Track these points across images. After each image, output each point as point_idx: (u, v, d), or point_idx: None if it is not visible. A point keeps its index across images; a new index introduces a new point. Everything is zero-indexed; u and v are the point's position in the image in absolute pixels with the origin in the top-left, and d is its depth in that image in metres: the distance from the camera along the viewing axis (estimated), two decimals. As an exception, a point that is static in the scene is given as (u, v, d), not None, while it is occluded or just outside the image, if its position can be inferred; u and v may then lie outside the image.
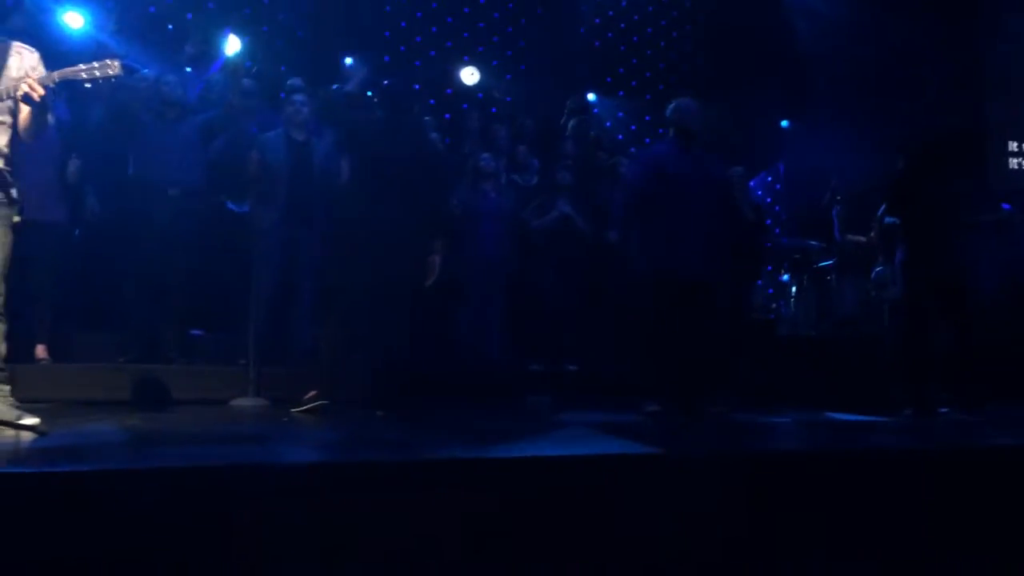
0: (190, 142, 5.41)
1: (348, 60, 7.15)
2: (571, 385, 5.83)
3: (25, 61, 3.59)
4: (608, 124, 8.43)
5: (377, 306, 4.74)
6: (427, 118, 6.29)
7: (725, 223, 5.11)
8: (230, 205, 5.79)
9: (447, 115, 7.37)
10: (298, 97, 5.68)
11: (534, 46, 8.19)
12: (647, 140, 8.53)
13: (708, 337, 4.90)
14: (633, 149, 7.96)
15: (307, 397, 4.58)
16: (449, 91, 7.89)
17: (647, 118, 8.61)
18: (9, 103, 3.47)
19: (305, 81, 6.03)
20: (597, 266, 6.19)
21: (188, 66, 6.54)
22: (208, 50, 6.70)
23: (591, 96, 8.25)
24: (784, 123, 8.96)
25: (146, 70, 5.90)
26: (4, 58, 3.55)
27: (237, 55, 6.57)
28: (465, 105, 7.87)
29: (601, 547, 2.73)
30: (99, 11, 6.37)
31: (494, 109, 7.94)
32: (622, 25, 8.69)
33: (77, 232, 5.53)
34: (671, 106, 5.08)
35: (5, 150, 3.59)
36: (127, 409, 4.57)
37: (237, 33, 6.67)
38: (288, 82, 6.08)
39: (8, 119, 3.58)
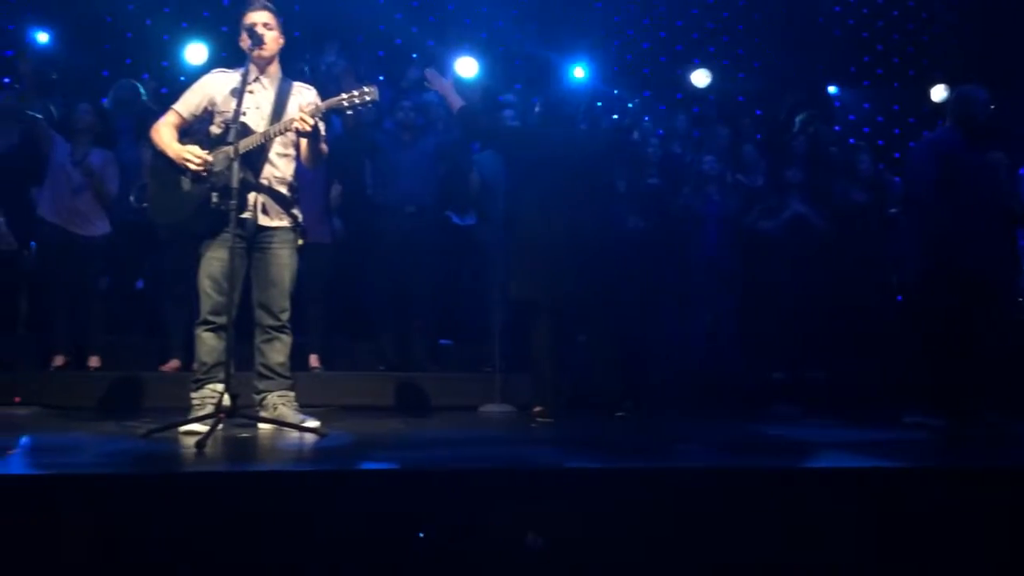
0: (424, 163, 5.71)
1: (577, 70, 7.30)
2: (818, 393, 5.57)
3: (304, 97, 3.98)
4: (852, 117, 7.97)
5: (593, 311, 4.73)
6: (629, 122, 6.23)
7: (1009, 217, 4.72)
8: (455, 219, 6.08)
9: (681, 118, 7.28)
10: (508, 112, 5.87)
11: (768, 42, 7.92)
12: (895, 131, 7.97)
13: (994, 340, 4.52)
14: (881, 142, 7.47)
15: (535, 411, 4.68)
16: (680, 95, 7.81)
17: (895, 108, 8.05)
18: (292, 136, 3.86)
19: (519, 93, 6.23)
20: (836, 266, 5.89)
21: (410, 90, 6.93)
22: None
23: (832, 89, 7.84)
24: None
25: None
26: (286, 95, 3.96)
27: (469, 78, 6.90)
28: (696, 108, 7.74)
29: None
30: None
31: (715, 110, 7.75)
32: (864, 10, 8.19)
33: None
34: (953, 94, 4.76)
35: (290, 179, 4.00)
36: (390, 414, 4.93)
37: (474, 55, 6.99)
38: (499, 98, 6.29)
39: (292, 151, 3.98)
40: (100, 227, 5.44)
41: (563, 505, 2.61)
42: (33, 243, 5.02)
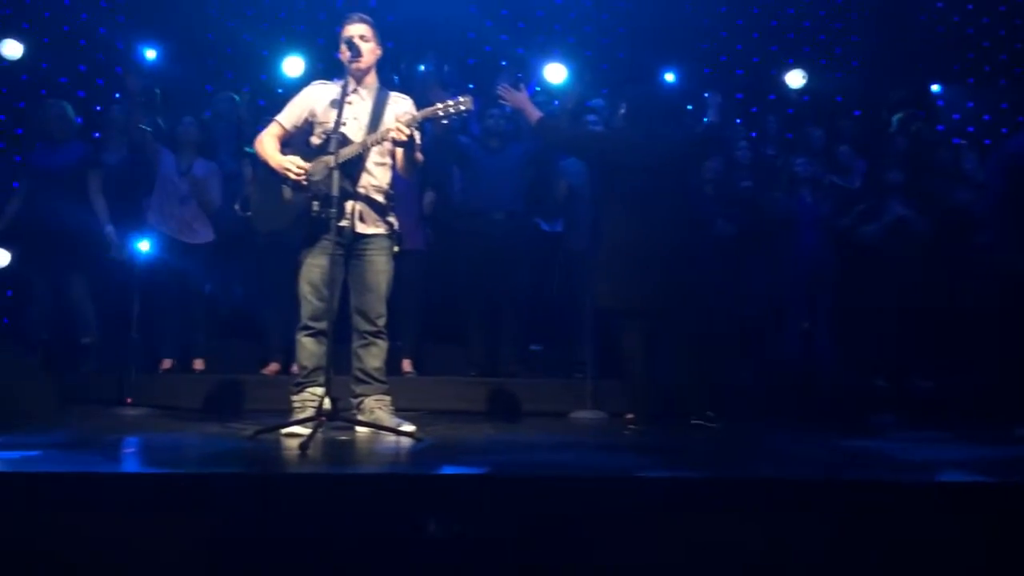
0: (512, 169, 5.74)
1: (669, 75, 7.23)
2: (920, 403, 5.37)
3: (400, 107, 4.06)
4: (956, 116, 7.66)
5: (685, 319, 4.66)
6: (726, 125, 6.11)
7: None
8: (543, 226, 6.07)
9: (771, 120, 7.13)
10: (591, 117, 5.84)
11: (867, 40, 7.68)
12: (1003, 130, 7.62)
13: None
14: (988, 141, 7.15)
15: (628, 419, 4.65)
16: (772, 96, 7.65)
17: (1003, 105, 7.70)
18: (388, 145, 3.94)
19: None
20: (941, 271, 5.66)
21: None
22: (523, 79, 7.09)
23: (935, 87, 7.56)
24: None
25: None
26: (383, 105, 4.05)
27: (556, 85, 6.90)
28: (791, 110, 7.57)
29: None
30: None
31: (809, 111, 7.56)
32: (969, 6, 7.86)
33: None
34: None
35: (387, 187, 4.09)
36: (481, 419, 4.96)
37: (563, 61, 6.99)
38: (587, 103, 6.26)
39: (388, 160, 4.07)
40: (204, 235, 5.66)
41: (654, 516, 2.58)
42: (143, 251, 5.27)
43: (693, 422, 4.50)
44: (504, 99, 4.84)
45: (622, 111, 4.93)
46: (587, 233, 5.50)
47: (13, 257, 5.60)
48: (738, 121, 6.70)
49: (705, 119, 4.95)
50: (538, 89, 7.00)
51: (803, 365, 5.70)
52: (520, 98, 4.74)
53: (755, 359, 5.66)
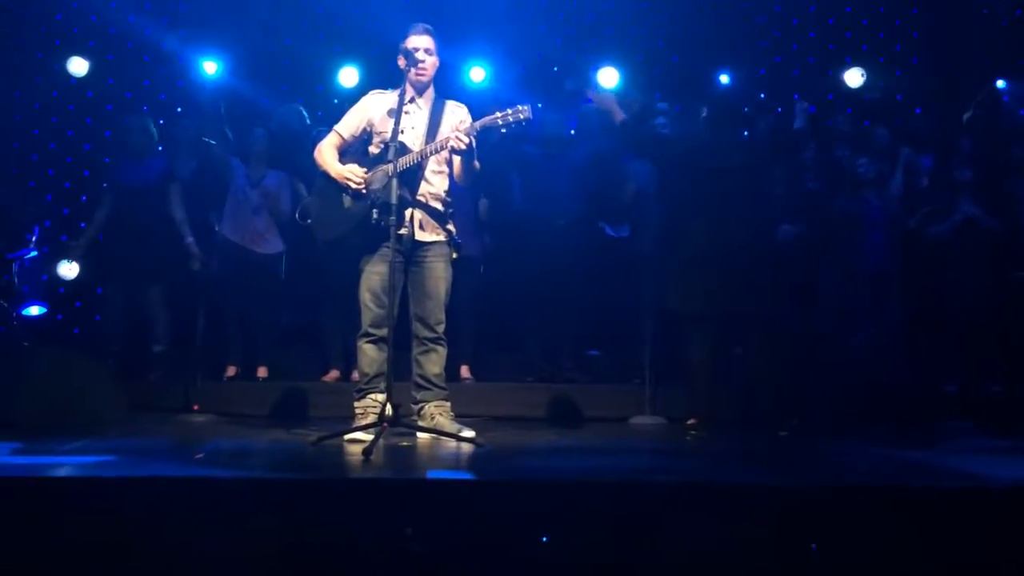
0: (573, 175, 5.73)
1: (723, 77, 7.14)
2: (994, 408, 5.22)
3: (456, 116, 4.09)
4: (1023, 112, 7.43)
5: (753, 324, 4.63)
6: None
7: None
8: (609, 231, 6.04)
9: (829, 122, 7.00)
10: (660, 120, 5.80)
11: (928, 36, 7.50)
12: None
13: None
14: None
15: (689, 423, 4.61)
16: (831, 96, 7.51)
17: (1074, 99, 7.45)
18: (445, 153, 3.97)
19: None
20: (1012, 270, 5.51)
21: (567, 101, 6.94)
22: (585, 85, 7.06)
23: (1000, 83, 7.35)
24: None
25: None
26: (440, 114, 4.08)
27: (612, 89, 6.87)
28: (849, 109, 7.43)
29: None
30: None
31: (870, 110, 7.40)
32: (1033, -1, 7.64)
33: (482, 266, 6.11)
34: None
35: (444, 195, 4.12)
36: (540, 425, 4.96)
37: (614, 65, 6.97)
38: (657, 105, 6.22)
39: (446, 168, 4.09)
40: (275, 245, 5.76)
41: (719, 520, 2.56)
42: (215, 261, 5.41)
43: (780, 433, 4.44)
44: (596, 100, 4.86)
45: (703, 114, 4.89)
46: (654, 236, 5.49)
47: (91, 268, 5.77)
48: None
49: (795, 125, 4.90)
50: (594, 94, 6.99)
51: (871, 370, 5.59)
52: (608, 98, 4.81)
53: (823, 364, 5.56)
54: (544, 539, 2.51)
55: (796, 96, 5.10)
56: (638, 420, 5.10)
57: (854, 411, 4.99)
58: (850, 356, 5.58)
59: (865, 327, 5.64)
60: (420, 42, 4.03)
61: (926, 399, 5.27)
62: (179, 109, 6.49)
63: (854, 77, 7.04)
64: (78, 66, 6.58)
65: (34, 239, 5.81)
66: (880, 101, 7.33)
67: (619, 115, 4.73)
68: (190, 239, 5.58)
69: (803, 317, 5.40)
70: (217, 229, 5.74)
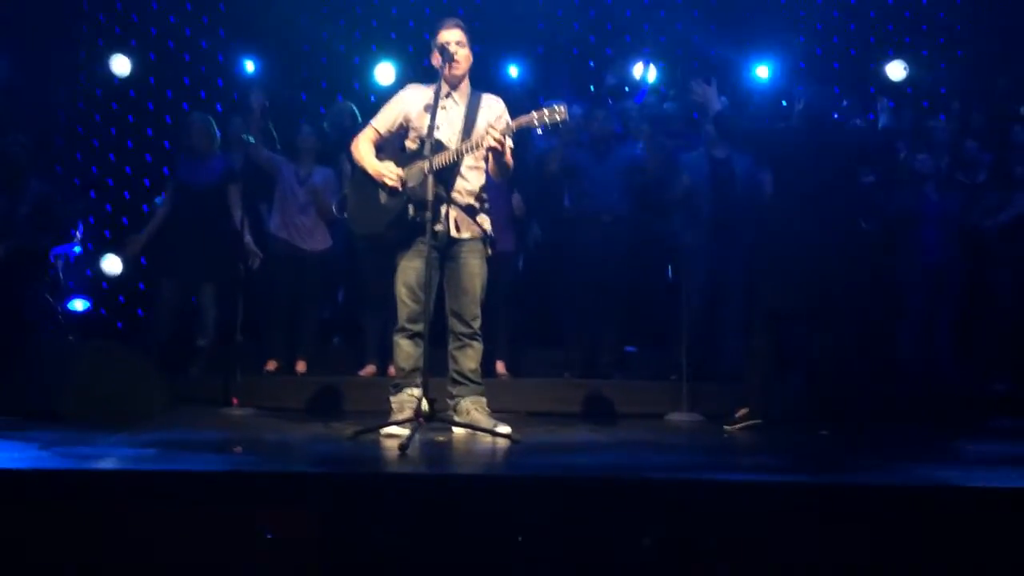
0: (620, 172, 5.71)
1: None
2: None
3: (492, 111, 4.08)
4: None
5: (810, 322, 4.61)
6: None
7: None
8: (656, 225, 6.00)
9: (870, 116, 6.89)
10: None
11: (971, 28, 7.36)
12: None
13: None
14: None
15: (739, 415, 4.58)
16: (872, 89, 7.40)
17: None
18: (481, 151, 3.96)
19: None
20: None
21: (609, 97, 6.92)
22: (627, 80, 7.04)
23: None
24: None
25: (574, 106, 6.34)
26: (476, 109, 4.08)
27: (655, 83, 6.83)
28: (892, 103, 7.30)
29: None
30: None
31: (926, 103, 7.27)
32: (1083, -16, 7.46)
33: (520, 261, 6.11)
34: None
35: (480, 191, 4.12)
36: (576, 420, 4.95)
37: (651, 61, 6.93)
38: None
39: (481, 164, 4.10)
40: (322, 241, 5.83)
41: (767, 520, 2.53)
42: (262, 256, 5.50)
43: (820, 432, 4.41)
44: (695, 93, 4.86)
45: (799, 107, 4.86)
46: (704, 230, 5.50)
47: (143, 264, 5.87)
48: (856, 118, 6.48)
49: (880, 124, 4.86)
50: (649, 89, 6.95)
51: (922, 366, 5.51)
52: (708, 92, 4.79)
53: (875, 360, 5.49)
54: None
55: (872, 90, 5.05)
56: (675, 416, 5.07)
57: (901, 407, 4.91)
58: (902, 351, 5.51)
59: (918, 322, 5.56)
60: (451, 36, 4.03)
61: (975, 397, 5.18)
62: (219, 108, 6.57)
63: (896, 70, 6.93)
64: (121, 65, 6.69)
65: (78, 235, 5.93)
66: (924, 94, 7.21)
67: (715, 108, 4.74)
68: (248, 238, 5.64)
69: (862, 313, 5.34)
70: (266, 226, 5.80)
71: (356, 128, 6.08)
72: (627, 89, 6.81)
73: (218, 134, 5.91)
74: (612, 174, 5.66)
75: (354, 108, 6.25)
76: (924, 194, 5.60)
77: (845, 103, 6.33)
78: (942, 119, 6.28)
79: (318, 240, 5.80)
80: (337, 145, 6.05)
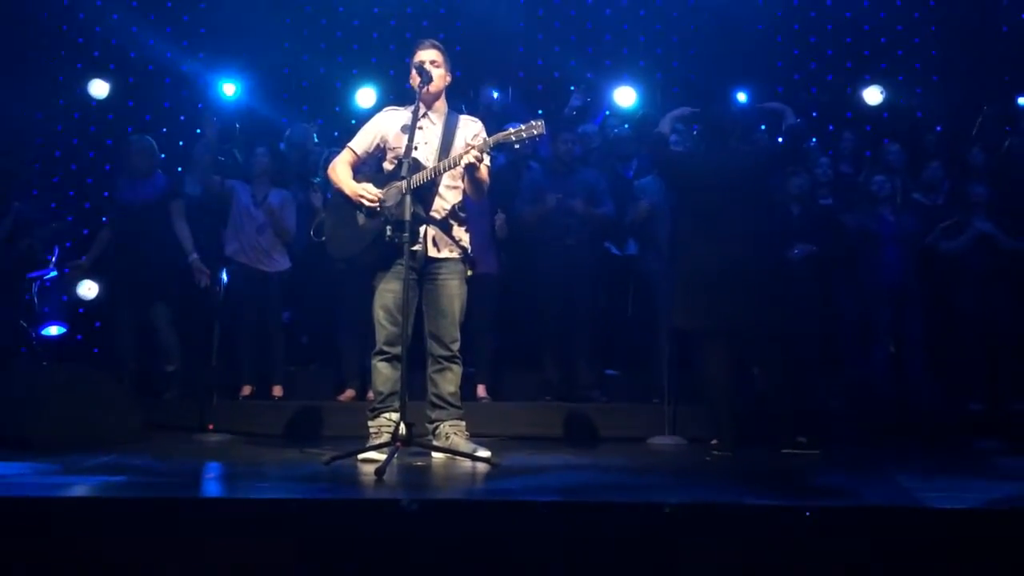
0: (580, 195, 5.66)
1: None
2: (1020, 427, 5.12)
3: (470, 130, 4.08)
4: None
5: (766, 342, 4.57)
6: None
7: None
8: (614, 250, 6.00)
9: (847, 136, 6.94)
10: (674, 137, 5.76)
11: (947, 54, 7.45)
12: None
13: None
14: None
15: (713, 444, 4.55)
16: (849, 114, 7.47)
17: (1096, 116, 7.36)
18: (459, 170, 3.95)
19: None
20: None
21: (573, 119, 6.92)
22: (592, 102, 7.07)
23: (1022, 100, 7.28)
24: None
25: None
26: (454, 129, 4.07)
27: (628, 107, 6.86)
28: (868, 127, 7.38)
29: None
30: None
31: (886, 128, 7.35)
32: (1055, 15, 7.58)
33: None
34: None
35: (458, 210, 4.10)
36: (558, 444, 4.91)
37: (633, 84, 6.96)
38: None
39: (460, 183, 4.08)
40: (281, 263, 5.77)
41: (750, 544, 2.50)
42: (223, 280, 5.42)
43: (784, 451, 4.39)
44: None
45: (694, 131, 4.89)
46: (664, 254, 5.45)
47: (100, 288, 5.80)
48: (814, 140, 6.55)
49: (785, 124, 4.85)
50: (608, 113, 7.00)
51: (894, 388, 5.51)
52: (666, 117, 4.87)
53: (844, 382, 5.49)
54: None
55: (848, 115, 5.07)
56: (657, 440, 5.03)
57: (875, 428, 4.91)
58: (870, 373, 5.51)
59: (885, 343, 5.57)
60: (428, 55, 4.04)
61: (951, 417, 5.19)
62: (198, 131, 6.54)
63: (873, 95, 7.01)
64: (99, 88, 6.66)
65: (54, 260, 5.86)
66: (900, 118, 7.28)
67: (663, 129, 4.79)
68: (194, 255, 5.59)
69: (821, 334, 5.35)
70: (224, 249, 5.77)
71: (314, 150, 6.14)
72: (586, 112, 6.84)
73: (158, 153, 5.86)
74: (572, 197, 5.60)
75: (311, 130, 6.25)
76: (880, 215, 5.65)
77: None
78: (895, 145, 6.32)
79: (277, 261, 5.76)
80: (298, 165, 6.04)
